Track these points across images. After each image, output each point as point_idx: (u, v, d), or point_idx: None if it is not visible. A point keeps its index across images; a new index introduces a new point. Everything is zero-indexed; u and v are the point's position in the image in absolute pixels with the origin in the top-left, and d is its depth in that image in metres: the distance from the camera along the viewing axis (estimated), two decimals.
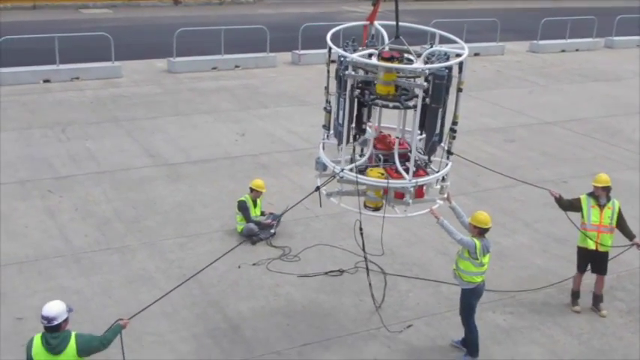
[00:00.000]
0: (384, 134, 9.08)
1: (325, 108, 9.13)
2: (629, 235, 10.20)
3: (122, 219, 12.47)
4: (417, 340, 9.51)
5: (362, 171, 8.72)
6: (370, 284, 9.88)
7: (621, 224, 10.13)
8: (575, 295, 10.47)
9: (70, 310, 6.90)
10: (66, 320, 6.82)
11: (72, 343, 6.77)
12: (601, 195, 10.06)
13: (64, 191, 13.50)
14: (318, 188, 8.85)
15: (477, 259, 8.74)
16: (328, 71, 8.87)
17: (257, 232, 11.77)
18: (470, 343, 9.19)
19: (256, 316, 9.83)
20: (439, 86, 8.11)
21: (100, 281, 10.50)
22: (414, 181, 8.44)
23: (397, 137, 8.92)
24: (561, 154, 17.00)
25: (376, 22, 9.27)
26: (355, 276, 10.85)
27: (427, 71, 8.09)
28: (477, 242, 8.72)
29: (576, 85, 24.30)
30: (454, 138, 8.98)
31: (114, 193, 13.53)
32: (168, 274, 10.68)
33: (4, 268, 10.67)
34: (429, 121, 8.37)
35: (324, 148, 9.20)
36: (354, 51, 8.56)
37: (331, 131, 9.10)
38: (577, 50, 30.23)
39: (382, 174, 8.57)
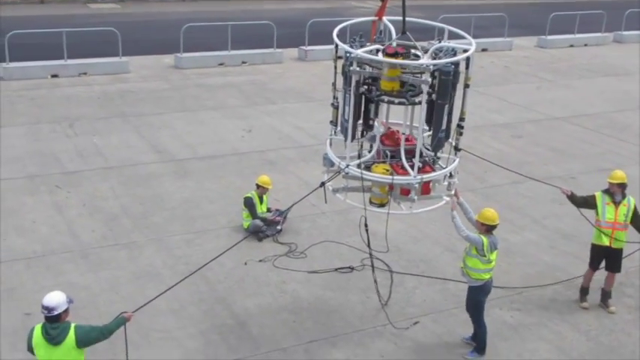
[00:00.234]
0: (392, 130, 9.05)
1: (332, 104, 9.12)
2: None
3: (129, 215, 12.50)
4: (424, 337, 9.49)
5: (369, 167, 8.71)
6: (375, 281, 9.87)
7: (636, 221, 10.02)
8: (584, 291, 10.41)
9: (70, 302, 6.93)
10: (66, 311, 6.86)
11: (71, 334, 6.82)
12: (616, 192, 9.95)
13: (72, 187, 13.53)
14: (322, 184, 8.84)
15: (485, 255, 8.71)
16: (335, 67, 8.85)
17: (263, 228, 11.76)
18: (478, 340, 9.18)
19: (263, 313, 9.83)
20: (445, 82, 8.08)
21: (107, 277, 10.53)
22: (419, 177, 8.41)
23: (403, 133, 8.89)
24: (570, 150, 16.93)
25: (385, 18, 9.23)
26: (361, 273, 10.84)
27: (431, 67, 8.05)
28: (485, 239, 8.69)
29: (585, 81, 24.19)
30: (461, 134, 8.95)
31: (121, 188, 13.56)
32: (175, 271, 10.70)
33: (13, 264, 10.72)
34: (435, 117, 8.34)
35: (331, 144, 9.18)
36: (361, 47, 8.53)
37: (339, 127, 9.08)
38: (586, 45, 30.11)
39: (387, 170, 8.54)
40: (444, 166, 8.88)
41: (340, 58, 8.65)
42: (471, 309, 9.11)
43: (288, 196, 12.70)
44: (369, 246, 9.57)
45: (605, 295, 10.36)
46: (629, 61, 27.49)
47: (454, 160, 8.93)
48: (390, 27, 9.11)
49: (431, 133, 8.64)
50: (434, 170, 8.72)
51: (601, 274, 10.36)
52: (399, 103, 8.40)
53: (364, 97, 8.61)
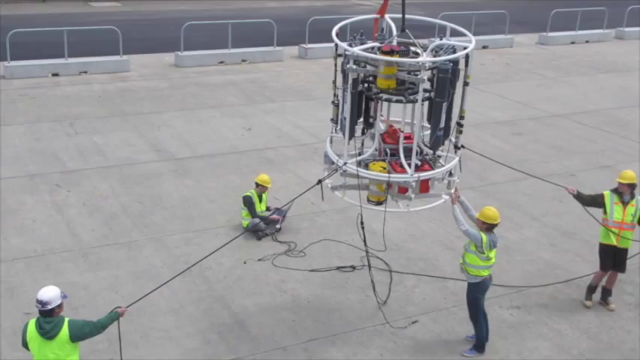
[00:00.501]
0: (394, 129, 9.03)
1: (333, 102, 9.11)
2: None
3: (129, 214, 12.50)
4: (423, 336, 9.49)
5: (369, 165, 8.70)
6: (372, 280, 9.86)
7: None
8: (591, 289, 10.32)
9: (64, 297, 7.00)
10: (60, 306, 6.94)
11: (65, 328, 6.87)
12: (625, 192, 9.86)
13: (72, 186, 13.54)
14: (320, 181, 8.83)
15: (483, 253, 8.71)
16: (335, 65, 8.84)
17: (263, 227, 11.76)
18: (477, 338, 9.17)
19: (262, 312, 9.83)
20: (443, 80, 8.05)
21: (107, 276, 10.53)
22: (415, 175, 8.39)
23: (402, 131, 8.87)
24: (570, 147, 16.90)
25: (387, 16, 9.21)
26: (361, 272, 10.82)
27: (428, 64, 8.02)
28: (484, 236, 8.68)
29: (586, 77, 24.15)
30: (461, 132, 8.93)
31: (121, 187, 13.56)
32: (174, 270, 10.65)
33: (13, 263, 10.73)
34: (433, 115, 8.33)
35: (332, 142, 9.17)
36: (361, 45, 8.52)
37: (339, 125, 9.07)
38: (587, 42, 30.07)
39: (384, 168, 8.53)
40: (445, 165, 8.86)
41: (340, 56, 8.64)
42: (469, 305, 9.10)
43: (288, 195, 12.69)
44: (365, 244, 9.56)
45: (606, 293, 10.34)
46: (630, 57, 27.44)
47: (453, 159, 8.91)
48: (392, 25, 9.09)
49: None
50: (433, 168, 8.70)
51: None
52: (397, 101, 8.39)
53: (364, 95, 8.60)
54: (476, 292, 8.98)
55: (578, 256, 11.64)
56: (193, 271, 10.44)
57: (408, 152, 8.56)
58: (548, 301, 10.40)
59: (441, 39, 8.88)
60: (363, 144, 9.20)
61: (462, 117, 8.83)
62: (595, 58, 27.15)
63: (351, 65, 8.20)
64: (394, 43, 8.61)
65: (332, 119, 9.26)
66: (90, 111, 18.06)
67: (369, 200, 8.95)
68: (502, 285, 10.39)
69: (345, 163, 8.60)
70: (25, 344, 7.01)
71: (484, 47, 26.99)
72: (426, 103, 8.54)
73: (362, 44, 8.53)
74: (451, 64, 8.06)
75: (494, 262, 8.93)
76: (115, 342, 7.92)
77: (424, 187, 8.72)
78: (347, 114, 8.45)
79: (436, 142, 8.50)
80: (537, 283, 10.74)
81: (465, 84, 8.60)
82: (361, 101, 8.64)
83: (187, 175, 14.27)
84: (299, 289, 10.42)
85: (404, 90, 8.36)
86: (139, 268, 10.80)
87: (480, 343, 9.16)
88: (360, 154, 8.92)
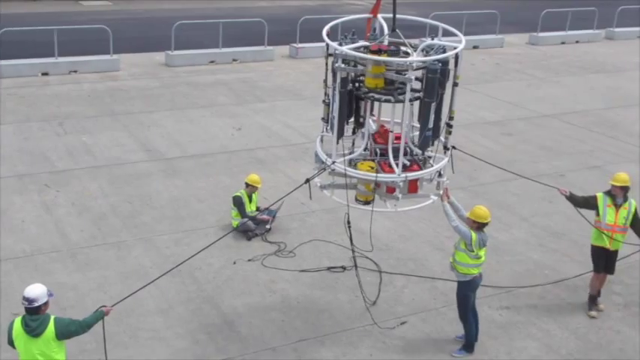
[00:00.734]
0: (386, 129, 9.03)
1: (324, 101, 9.10)
2: None
3: (118, 214, 12.46)
4: (413, 336, 9.50)
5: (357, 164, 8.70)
6: (359, 280, 9.84)
7: (635, 225, 9.90)
8: (593, 299, 10.21)
9: (50, 295, 7.03)
10: (46, 303, 6.97)
11: (51, 326, 6.90)
12: (618, 194, 9.80)
13: (61, 186, 13.48)
14: (307, 180, 8.82)
15: (473, 251, 8.73)
16: (327, 64, 8.83)
17: (252, 227, 11.74)
18: (466, 338, 9.20)
19: (251, 312, 9.82)
20: (432, 80, 8.05)
21: (95, 277, 10.49)
22: (402, 175, 8.39)
23: (392, 131, 8.87)
24: (559, 147, 16.96)
25: (379, 15, 9.20)
26: (350, 272, 10.78)
27: (414, 64, 8.01)
28: (474, 234, 8.71)
29: (576, 78, 24.24)
30: (450, 133, 8.94)
31: (110, 187, 13.52)
32: (163, 270, 10.61)
33: (1, 264, 10.67)
34: (422, 115, 8.33)
35: (322, 141, 9.16)
36: (352, 44, 8.51)
37: (330, 124, 9.05)
38: (577, 42, 30.17)
39: (372, 167, 8.53)
40: (435, 165, 8.86)
41: (331, 55, 8.63)
42: (459, 304, 9.12)
43: (278, 195, 12.57)
44: (351, 242, 9.54)
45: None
46: (620, 58, 27.55)
47: (442, 160, 8.91)
48: (384, 24, 9.09)
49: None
50: (421, 169, 8.70)
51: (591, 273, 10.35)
52: (386, 101, 8.39)
53: (353, 94, 8.59)
54: (466, 291, 9.00)
55: (567, 256, 11.68)
56: (183, 271, 10.43)
57: (397, 152, 8.56)
58: (537, 301, 10.43)
59: (432, 39, 8.89)
60: (354, 143, 9.20)
61: (451, 117, 8.84)
62: (585, 59, 27.25)
63: (339, 64, 8.20)
64: (385, 42, 8.61)
65: (323, 118, 9.26)
66: (79, 110, 17.99)
67: (356, 200, 8.95)
68: (491, 285, 10.41)
69: (333, 162, 8.60)
70: (10, 342, 7.03)
71: (475, 47, 27.03)
72: (417, 103, 8.54)
73: (353, 44, 8.53)
74: (440, 64, 8.06)
75: (484, 260, 8.95)
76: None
77: (413, 187, 8.72)
78: (336, 113, 8.45)
79: (425, 142, 8.50)
80: (526, 284, 10.78)
81: (455, 84, 8.60)
82: (351, 100, 8.64)
83: (177, 175, 14.24)
84: (288, 290, 10.41)
85: (393, 90, 8.36)
86: (128, 268, 10.77)
87: (469, 343, 9.19)
88: (351, 154, 8.92)
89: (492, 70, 24.75)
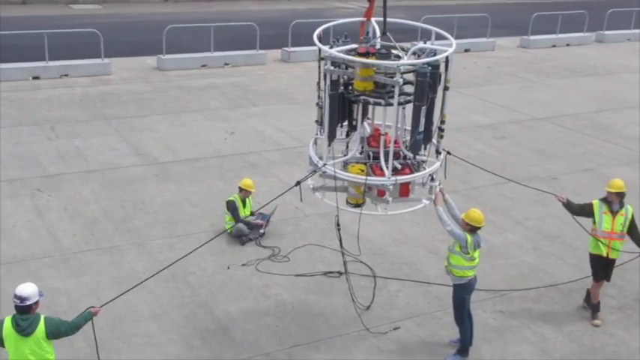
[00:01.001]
0: (379, 132, 9.00)
1: (317, 103, 9.08)
2: None
3: (111, 219, 12.40)
4: (407, 340, 9.48)
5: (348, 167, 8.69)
6: (350, 286, 9.79)
7: (632, 231, 9.84)
8: (596, 307, 10.14)
9: (41, 295, 7.07)
10: (37, 303, 7.01)
11: (41, 325, 6.94)
12: (614, 201, 9.72)
13: (53, 190, 13.41)
14: (298, 183, 8.81)
15: (468, 253, 8.72)
16: (319, 67, 8.81)
17: (246, 232, 11.70)
18: (461, 341, 9.18)
19: (245, 317, 9.78)
20: (422, 83, 8.02)
21: (88, 282, 10.43)
22: (392, 179, 8.37)
23: (383, 134, 8.84)
24: (552, 150, 17.00)
25: (373, 19, 9.19)
26: (344, 277, 10.80)
27: (402, 67, 8.00)
28: (468, 236, 8.70)
29: (567, 81, 24.33)
30: (442, 137, 8.93)
31: (103, 192, 13.45)
32: (156, 275, 10.59)
33: None
34: (412, 118, 8.31)
35: (316, 144, 9.15)
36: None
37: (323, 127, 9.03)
38: (568, 45, 30.30)
39: (362, 170, 8.51)
40: (427, 169, 8.84)
41: (323, 59, 8.62)
42: (455, 308, 9.11)
43: (271, 199, 12.63)
44: (341, 245, 9.51)
45: (590, 298, 10.35)
46: (610, 60, 27.68)
47: (434, 164, 8.89)
48: (376, 28, 9.08)
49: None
50: (413, 173, 8.68)
51: (588, 277, 10.34)
52: (375, 104, 8.38)
53: (345, 97, 8.58)
54: (462, 293, 8.99)
55: (561, 259, 11.70)
56: (176, 276, 10.40)
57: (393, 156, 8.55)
58: (531, 304, 10.43)
59: (424, 42, 8.88)
60: (347, 146, 9.18)
61: (442, 121, 8.82)
62: (576, 62, 27.36)
63: (328, 66, 8.19)
64: (377, 45, 8.59)
65: (316, 121, 9.25)
66: (71, 114, 17.91)
67: (347, 203, 8.93)
68: (485, 289, 10.40)
69: (324, 164, 8.58)
70: (0, 342, 7.00)
71: (466, 50, 27.12)
72: (409, 106, 8.52)
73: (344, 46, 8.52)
74: (429, 67, 8.04)
75: (478, 262, 8.95)
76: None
77: (404, 190, 8.68)
78: (326, 115, 8.44)
79: (416, 146, 8.48)
80: (520, 287, 10.78)
81: (445, 88, 8.59)
82: (343, 103, 8.62)
83: (170, 180, 14.18)
84: (283, 295, 10.38)
85: (384, 93, 8.35)
86: (121, 273, 10.71)
87: (463, 347, 9.17)
88: (345, 157, 8.90)
89: (484, 73, 24.82)
